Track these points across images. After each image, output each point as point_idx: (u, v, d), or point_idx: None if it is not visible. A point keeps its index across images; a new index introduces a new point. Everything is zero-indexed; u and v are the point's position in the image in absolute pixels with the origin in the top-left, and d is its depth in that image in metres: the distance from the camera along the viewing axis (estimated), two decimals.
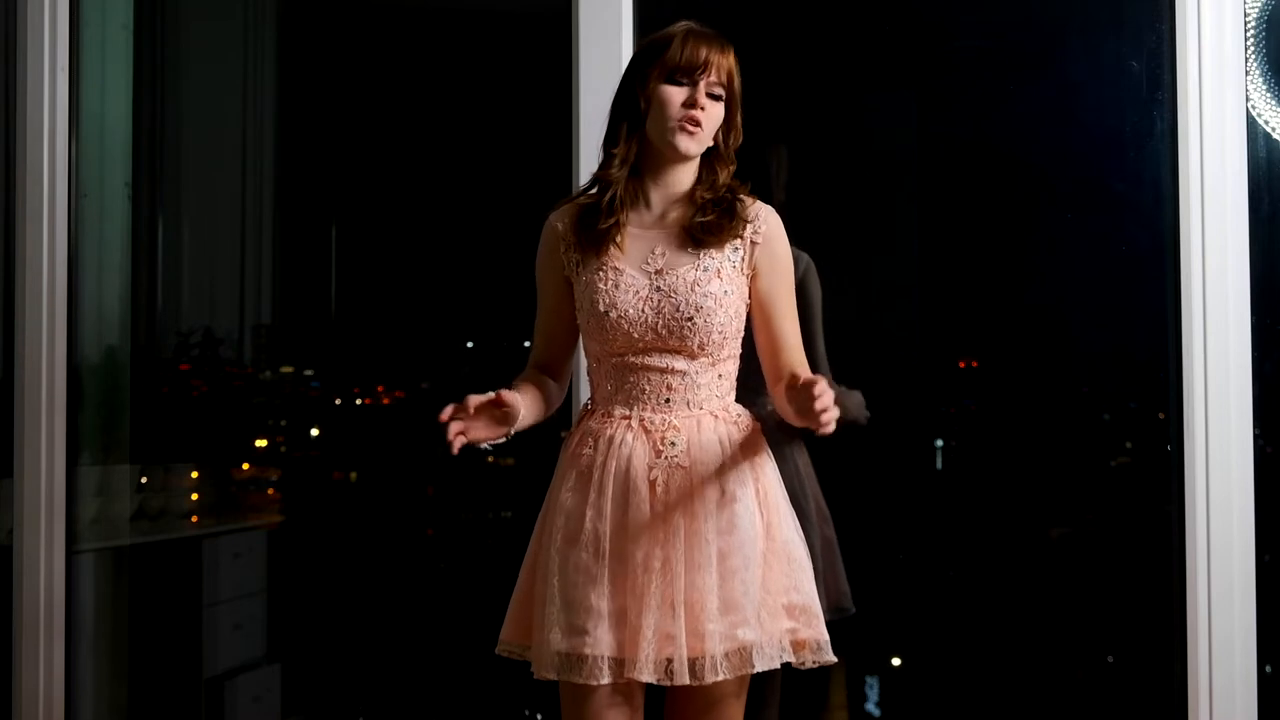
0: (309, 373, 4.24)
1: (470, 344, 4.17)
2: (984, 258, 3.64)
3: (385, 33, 4.09)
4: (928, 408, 3.66)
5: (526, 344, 2.30)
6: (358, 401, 4.21)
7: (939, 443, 3.68)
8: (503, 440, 2.10)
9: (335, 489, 4.21)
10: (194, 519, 3.79)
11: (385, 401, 4.22)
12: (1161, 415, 2.99)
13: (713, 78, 2.12)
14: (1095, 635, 3.51)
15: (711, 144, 2.17)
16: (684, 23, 2.17)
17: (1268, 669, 2.81)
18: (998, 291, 3.63)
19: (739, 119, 2.18)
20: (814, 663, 2.11)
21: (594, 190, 2.19)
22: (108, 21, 3.30)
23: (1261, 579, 2.77)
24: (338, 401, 4.21)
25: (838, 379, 2.74)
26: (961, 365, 3.72)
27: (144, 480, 3.64)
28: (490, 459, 4.00)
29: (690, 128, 2.10)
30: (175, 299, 3.92)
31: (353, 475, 4.22)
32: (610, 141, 2.18)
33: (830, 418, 1.95)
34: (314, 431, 4.19)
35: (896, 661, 3.71)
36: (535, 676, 2.09)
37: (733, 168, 2.20)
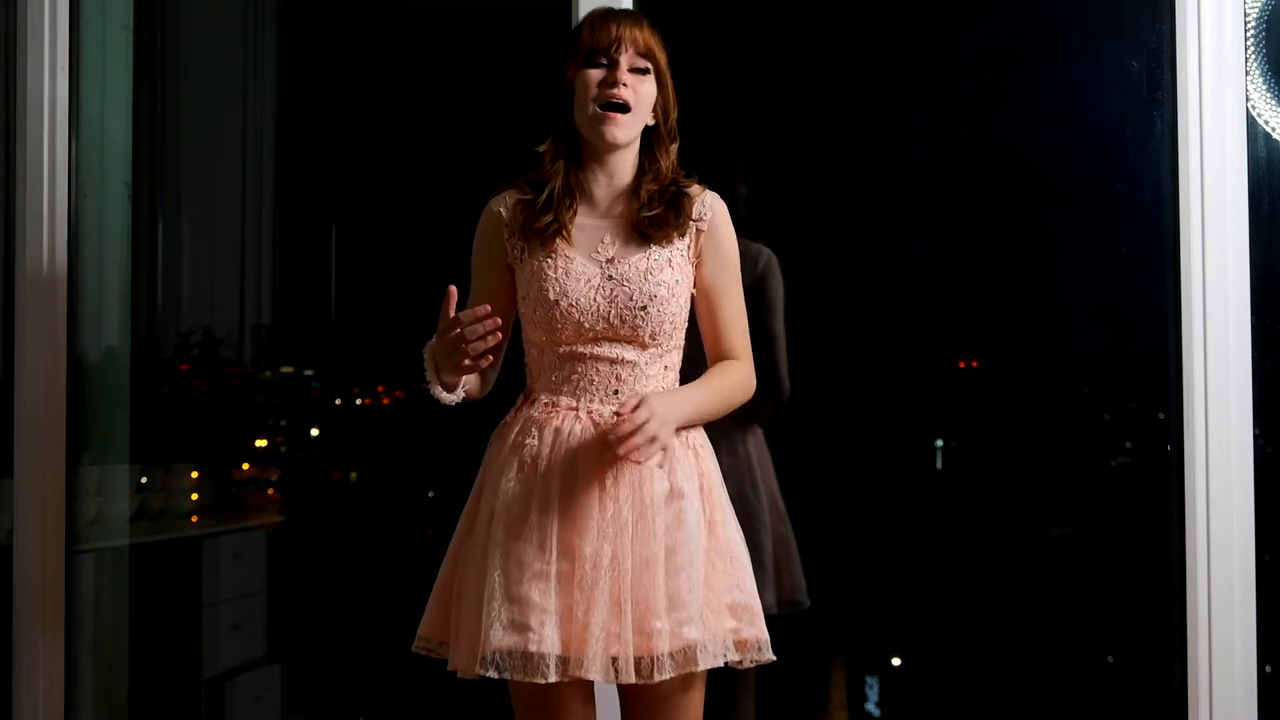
0: (309, 373, 4.24)
1: None
2: (984, 258, 3.63)
3: (385, 33, 4.08)
4: (928, 408, 3.65)
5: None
6: (358, 401, 4.20)
7: (939, 443, 3.68)
8: (456, 398, 2.09)
9: (335, 489, 4.21)
10: (194, 519, 3.79)
11: (385, 401, 4.21)
12: (1161, 415, 2.99)
13: (631, 52, 2.09)
14: (1095, 635, 3.51)
15: (651, 122, 2.14)
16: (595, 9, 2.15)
17: (1268, 669, 2.80)
18: (998, 291, 3.63)
19: (672, 92, 2.15)
20: (753, 662, 2.09)
21: (534, 185, 2.16)
22: (108, 21, 3.29)
23: (1261, 579, 2.77)
24: (338, 401, 4.20)
25: (839, 379, 2.74)
26: (961, 365, 3.71)
27: (144, 480, 3.64)
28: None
29: (613, 114, 2.07)
30: (175, 299, 3.91)
31: (353, 475, 4.22)
32: (546, 140, 2.16)
33: (630, 449, 1.94)
34: (314, 431, 4.19)
35: (896, 661, 3.70)
36: (459, 674, 2.04)
37: (675, 147, 2.17)
